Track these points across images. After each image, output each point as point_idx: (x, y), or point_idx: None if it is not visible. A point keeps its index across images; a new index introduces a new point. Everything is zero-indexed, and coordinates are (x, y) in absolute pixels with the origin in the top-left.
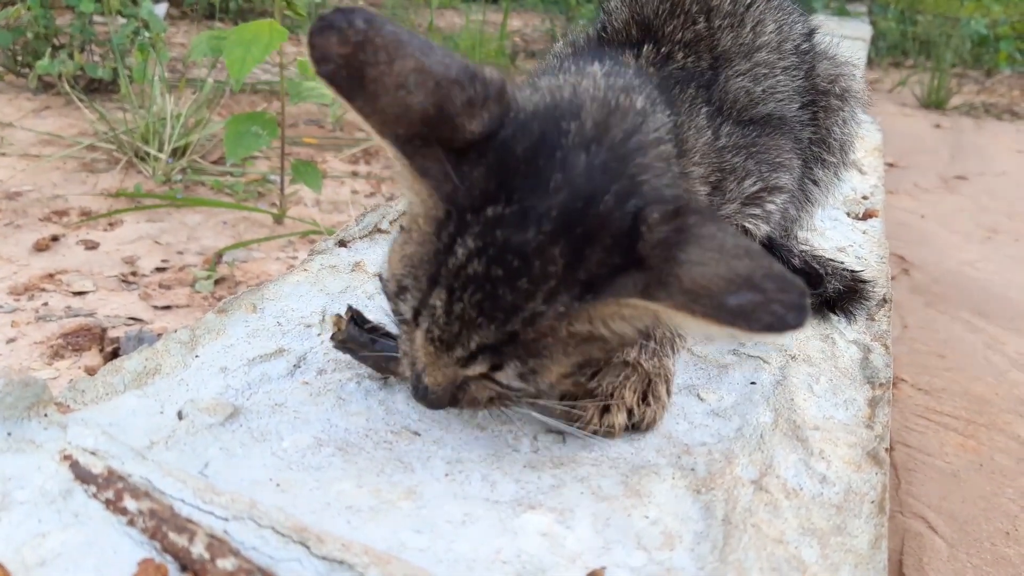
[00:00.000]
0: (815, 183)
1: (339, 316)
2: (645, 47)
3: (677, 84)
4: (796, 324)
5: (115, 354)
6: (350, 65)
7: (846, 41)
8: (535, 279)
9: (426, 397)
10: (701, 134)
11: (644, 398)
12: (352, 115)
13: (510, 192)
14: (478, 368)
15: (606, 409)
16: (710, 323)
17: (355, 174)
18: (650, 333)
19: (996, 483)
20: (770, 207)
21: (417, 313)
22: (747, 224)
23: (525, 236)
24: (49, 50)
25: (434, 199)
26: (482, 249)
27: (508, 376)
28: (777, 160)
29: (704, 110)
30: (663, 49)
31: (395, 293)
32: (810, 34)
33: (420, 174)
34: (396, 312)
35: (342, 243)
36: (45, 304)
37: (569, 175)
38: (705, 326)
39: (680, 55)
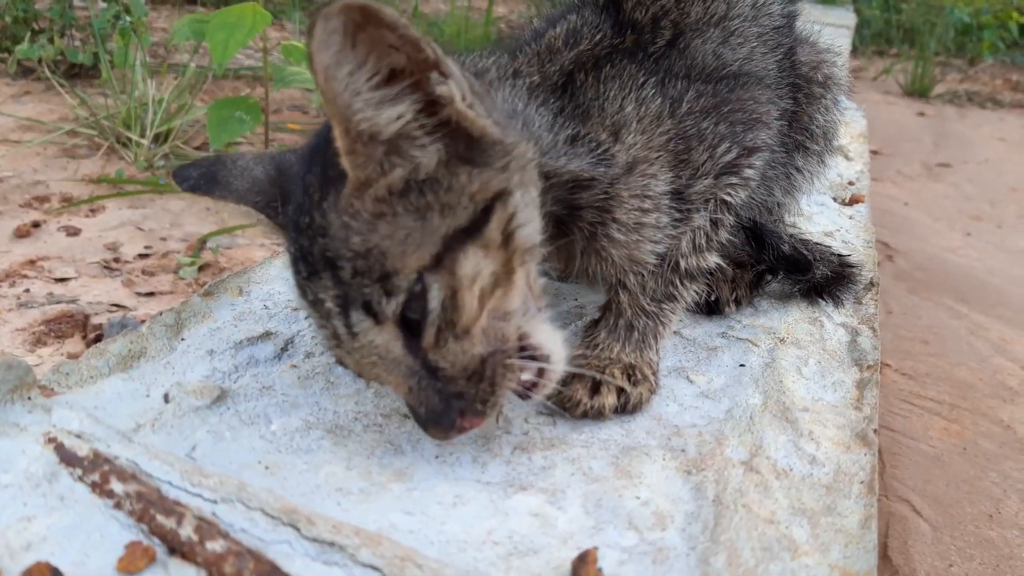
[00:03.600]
0: (799, 170)
1: None
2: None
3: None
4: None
5: (98, 341)
6: (205, 176)
7: (830, 29)
8: (307, 208)
9: (425, 416)
10: (646, 105)
11: (631, 379)
12: None
13: (286, 188)
14: (363, 324)
15: (596, 390)
16: (330, 85)
17: None
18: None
19: (979, 467)
20: (748, 172)
21: (323, 338)
22: (725, 196)
23: (296, 194)
24: (28, 34)
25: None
26: (290, 236)
27: (383, 303)
28: (753, 116)
29: (651, 81)
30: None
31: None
32: (791, 16)
33: (277, 225)
34: (328, 349)
35: None
36: (27, 291)
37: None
38: (350, 96)
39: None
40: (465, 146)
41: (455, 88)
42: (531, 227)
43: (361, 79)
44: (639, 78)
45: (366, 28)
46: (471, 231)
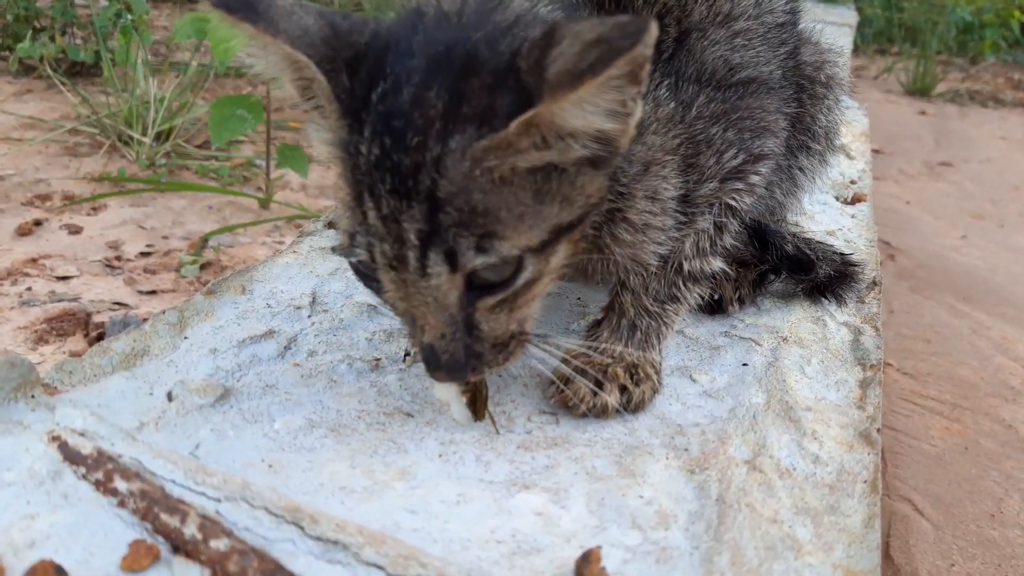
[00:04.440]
0: (801, 171)
1: None
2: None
3: None
4: (629, 46)
5: (100, 339)
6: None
7: (832, 27)
8: (421, 128)
9: (438, 360)
10: (662, 107)
11: (634, 378)
12: (253, 68)
13: (384, 72)
14: (438, 267)
15: (598, 387)
16: (572, 95)
17: None
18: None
19: (981, 466)
20: (754, 178)
21: (370, 246)
22: (730, 200)
23: (401, 97)
24: (30, 33)
25: (341, 120)
26: (373, 131)
27: (469, 256)
28: (761, 124)
29: (665, 83)
30: None
31: (349, 245)
32: (794, 14)
33: (335, 96)
34: (359, 266)
35: (331, 225)
36: (29, 289)
37: (430, 36)
38: (575, 103)
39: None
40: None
41: (638, 111)
42: None
43: (601, 100)
44: (655, 78)
45: (637, 72)
46: (571, 228)
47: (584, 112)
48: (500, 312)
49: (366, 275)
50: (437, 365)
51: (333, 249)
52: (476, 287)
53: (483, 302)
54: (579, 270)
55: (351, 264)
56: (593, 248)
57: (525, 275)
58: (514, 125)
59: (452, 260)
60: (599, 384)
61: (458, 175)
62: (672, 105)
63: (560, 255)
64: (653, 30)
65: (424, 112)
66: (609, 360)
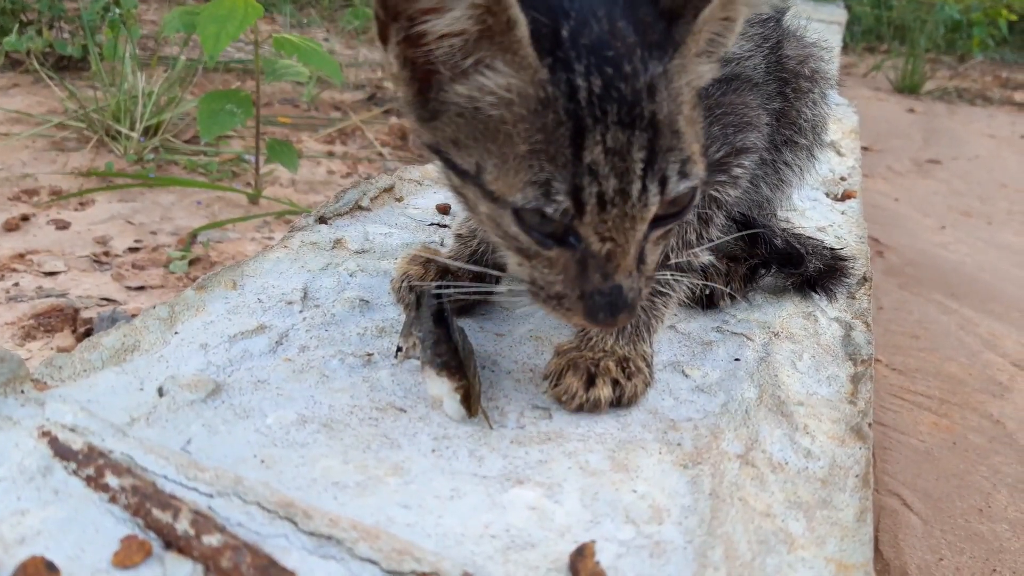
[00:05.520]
0: (787, 165)
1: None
2: None
3: None
4: None
5: (88, 335)
6: None
7: (821, 25)
8: (630, 56)
9: (627, 302)
10: None
11: (625, 371)
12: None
13: (563, 8)
14: (655, 198)
15: (591, 383)
16: None
17: (331, 154)
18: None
19: (969, 461)
20: (737, 171)
21: (576, 190)
22: (713, 192)
23: (599, 31)
24: (16, 26)
25: (535, 62)
26: (588, 66)
27: (674, 181)
28: (744, 120)
29: None
30: None
31: (543, 195)
32: (779, 11)
33: (521, 42)
34: (552, 215)
35: (322, 220)
36: (16, 285)
37: None
38: None
39: None
40: None
41: None
42: None
43: None
44: None
45: None
46: (702, 153)
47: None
48: (659, 244)
49: (558, 217)
50: (624, 306)
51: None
52: (658, 218)
53: (653, 234)
54: None
55: (526, 207)
56: None
57: (694, 203)
58: (691, 34)
59: (664, 186)
60: (591, 378)
61: (664, 98)
62: None
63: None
64: None
65: (625, 43)
66: (600, 354)
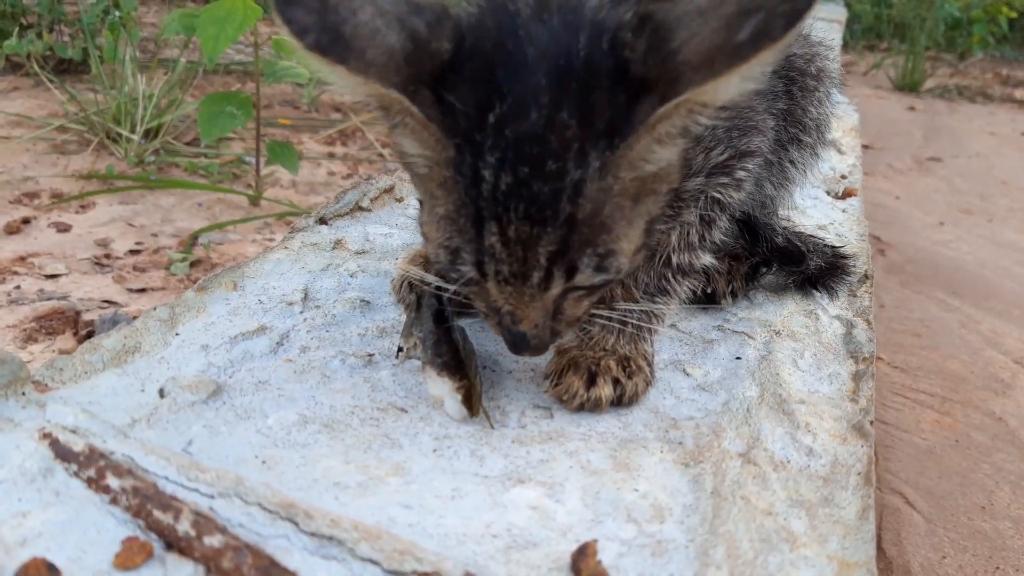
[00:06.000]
0: (792, 163)
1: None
2: None
3: None
4: (808, 4)
5: (89, 337)
6: (326, 29)
7: (821, 23)
8: (559, 153)
9: (528, 346)
10: None
11: (626, 370)
12: (327, 88)
13: (499, 89)
14: (558, 283)
15: (592, 382)
16: (738, 70)
17: (331, 155)
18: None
19: (972, 459)
20: (740, 173)
21: (479, 263)
22: (716, 194)
23: (530, 119)
24: (17, 29)
25: (442, 141)
26: (502, 158)
27: (587, 275)
28: (750, 124)
29: None
30: None
31: (449, 261)
32: None
33: (428, 120)
34: (460, 279)
35: (323, 221)
36: (17, 287)
37: (539, 45)
38: (737, 77)
39: None
40: None
41: None
42: None
43: (766, 64)
44: None
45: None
46: (656, 221)
47: (744, 81)
48: (584, 300)
49: (459, 279)
50: (526, 348)
51: (426, 260)
52: (576, 287)
53: (574, 294)
54: None
55: (438, 266)
56: None
57: (619, 276)
58: (653, 118)
59: (571, 274)
60: (592, 377)
61: (593, 193)
62: None
63: (645, 251)
64: None
65: (561, 135)
66: (601, 353)
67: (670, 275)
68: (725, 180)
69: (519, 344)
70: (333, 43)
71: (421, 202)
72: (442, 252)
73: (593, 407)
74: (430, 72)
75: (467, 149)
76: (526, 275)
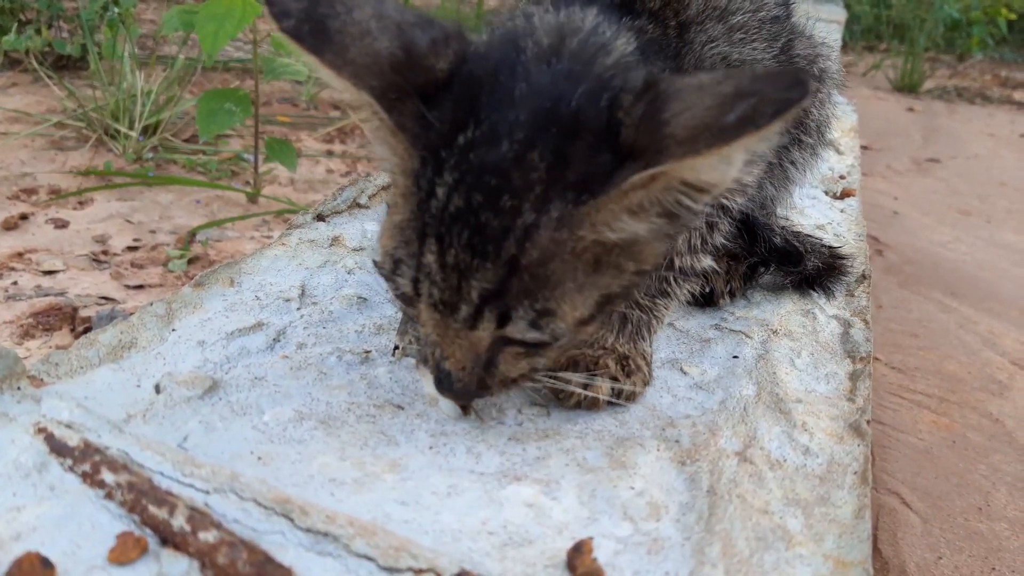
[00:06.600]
0: (793, 164)
1: None
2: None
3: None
4: (800, 96)
5: (86, 333)
6: (311, 18)
7: (820, 24)
8: (518, 191)
9: (451, 386)
10: None
11: (624, 369)
12: (326, 85)
13: (477, 115)
14: (487, 326)
15: (589, 379)
16: (718, 151)
17: (330, 153)
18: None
19: (969, 460)
20: (747, 179)
21: (416, 280)
22: (722, 199)
23: (499, 150)
24: (15, 25)
25: (410, 152)
26: (459, 180)
27: (520, 327)
28: None
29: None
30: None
31: (391, 271)
32: (786, 7)
33: (397, 128)
34: (396, 292)
35: (320, 217)
36: (14, 283)
37: (533, 84)
38: (718, 157)
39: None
40: None
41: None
42: None
43: (751, 150)
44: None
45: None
46: (614, 299)
47: (726, 165)
48: (521, 359)
49: (401, 296)
50: (448, 389)
51: (375, 263)
52: (510, 340)
53: (511, 349)
54: None
55: (381, 272)
56: None
57: (560, 343)
58: (627, 183)
59: (503, 322)
60: (590, 375)
61: (544, 243)
62: None
63: (595, 326)
64: (813, 85)
65: (525, 174)
66: (600, 351)
67: (672, 278)
68: (731, 186)
69: (442, 382)
70: (313, 33)
71: (388, 205)
72: (387, 260)
73: (590, 405)
74: (419, 85)
75: (430, 163)
76: (455, 306)
